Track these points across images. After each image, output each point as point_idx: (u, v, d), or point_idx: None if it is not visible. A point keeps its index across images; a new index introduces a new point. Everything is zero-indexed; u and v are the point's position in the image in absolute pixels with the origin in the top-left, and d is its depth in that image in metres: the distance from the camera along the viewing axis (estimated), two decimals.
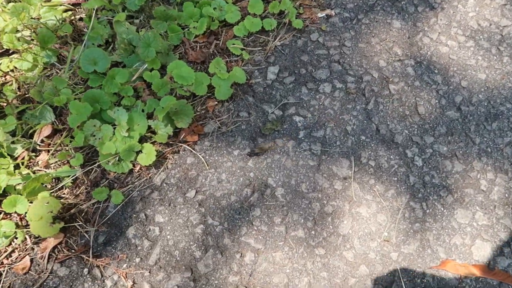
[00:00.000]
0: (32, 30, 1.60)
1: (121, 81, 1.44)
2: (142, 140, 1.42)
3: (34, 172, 1.36)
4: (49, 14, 1.64)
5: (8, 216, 1.31)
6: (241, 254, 1.29)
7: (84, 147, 1.42)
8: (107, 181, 1.38)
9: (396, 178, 1.41)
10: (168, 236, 1.31)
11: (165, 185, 1.39)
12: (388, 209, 1.36)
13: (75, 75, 1.54)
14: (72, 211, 1.32)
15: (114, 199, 1.33)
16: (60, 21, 1.62)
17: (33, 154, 1.41)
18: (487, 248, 1.30)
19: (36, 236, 1.27)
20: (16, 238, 1.28)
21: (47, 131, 1.43)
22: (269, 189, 1.38)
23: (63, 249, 1.28)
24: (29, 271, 1.25)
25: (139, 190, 1.37)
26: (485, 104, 1.53)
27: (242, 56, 1.62)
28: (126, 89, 1.45)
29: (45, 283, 1.23)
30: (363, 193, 1.38)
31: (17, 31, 1.61)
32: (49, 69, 1.57)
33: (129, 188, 1.38)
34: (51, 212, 1.23)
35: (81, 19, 1.68)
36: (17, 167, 1.38)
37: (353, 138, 1.47)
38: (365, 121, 1.51)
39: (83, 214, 1.33)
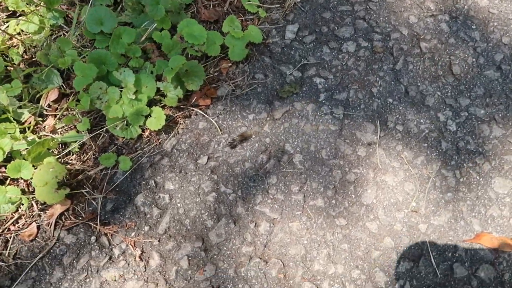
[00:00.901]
0: None
1: (128, 41, 1.35)
2: (152, 103, 1.34)
3: (40, 137, 1.31)
4: None
5: (15, 182, 1.27)
6: (256, 223, 1.20)
7: (91, 112, 1.35)
8: (115, 146, 1.32)
9: (426, 144, 1.28)
10: (179, 204, 1.24)
11: (175, 151, 1.31)
12: (416, 178, 1.24)
13: (83, 37, 1.46)
14: (79, 177, 1.26)
15: (122, 165, 1.27)
16: None
17: (40, 119, 1.36)
18: None
19: (43, 202, 1.22)
20: (22, 205, 1.23)
21: (54, 95, 1.37)
22: (286, 156, 1.28)
23: (70, 216, 1.22)
24: (36, 238, 1.20)
25: (149, 156, 1.30)
26: None
27: (258, 14, 1.50)
28: (134, 50, 1.36)
29: (51, 250, 1.19)
30: (389, 160, 1.26)
31: None
32: (56, 32, 1.50)
33: (138, 154, 1.30)
34: (56, 177, 1.17)
35: None
36: (24, 132, 1.32)
37: (379, 101, 1.35)
38: (392, 83, 1.37)
39: (91, 180, 1.27)
